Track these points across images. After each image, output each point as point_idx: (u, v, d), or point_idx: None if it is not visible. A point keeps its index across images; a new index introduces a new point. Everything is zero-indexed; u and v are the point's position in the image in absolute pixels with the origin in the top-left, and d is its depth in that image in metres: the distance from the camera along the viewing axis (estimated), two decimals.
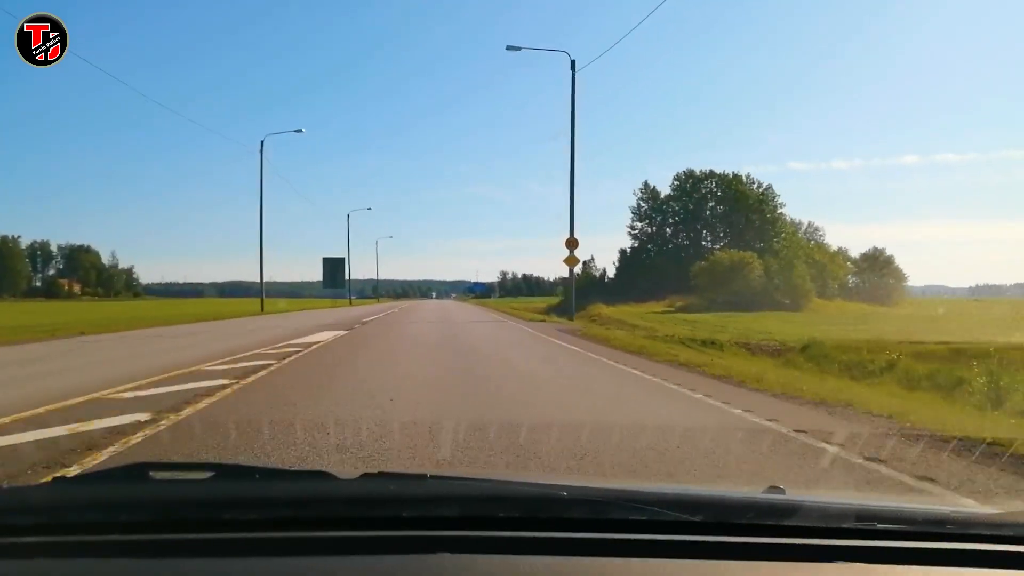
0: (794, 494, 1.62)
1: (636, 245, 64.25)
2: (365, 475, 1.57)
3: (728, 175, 61.25)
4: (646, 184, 64.43)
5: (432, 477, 1.62)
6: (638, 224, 65.27)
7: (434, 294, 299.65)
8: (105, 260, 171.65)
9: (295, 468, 2.73)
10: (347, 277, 65.58)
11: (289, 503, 1.46)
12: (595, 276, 61.31)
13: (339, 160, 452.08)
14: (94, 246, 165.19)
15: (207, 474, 1.59)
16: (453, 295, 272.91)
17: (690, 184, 62.60)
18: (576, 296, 60.59)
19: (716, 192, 61.60)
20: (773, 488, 1.65)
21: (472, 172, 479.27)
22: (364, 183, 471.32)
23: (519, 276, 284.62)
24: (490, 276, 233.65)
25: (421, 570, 1.28)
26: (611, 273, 63.18)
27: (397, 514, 1.43)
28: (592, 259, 64.44)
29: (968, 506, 3.11)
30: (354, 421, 6.13)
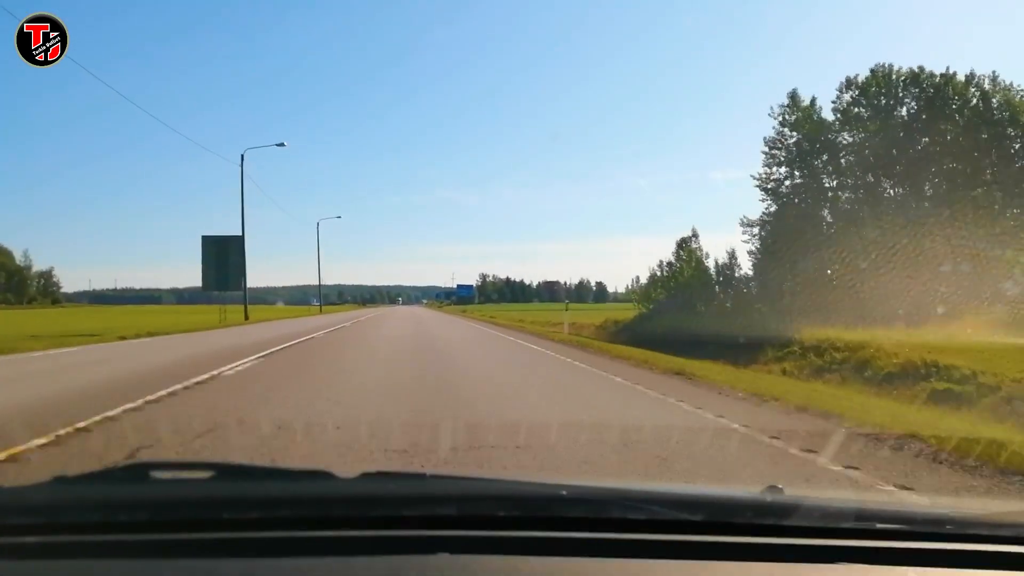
0: (793, 494, 1.61)
1: (776, 207, 34.27)
2: (364, 474, 1.56)
3: (956, 77, 31.92)
4: (793, 99, 34.25)
5: (431, 476, 1.63)
6: (779, 171, 33.11)
7: (400, 300, 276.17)
8: (19, 261, 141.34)
9: (294, 468, 2.20)
10: (243, 272, 36.06)
11: (288, 502, 1.46)
12: (707, 270, 32.09)
13: (303, 160, 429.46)
14: (6, 245, 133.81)
15: (207, 473, 1.58)
16: (424, 301, 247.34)
17: (879, 96, 32.93)
18: (676, 305, 31.48)
19: (927, 108, 32.17)
20: (772, 488, 1.62)
21: (441, 176, 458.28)
22: (334, 184, 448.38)
23: (501, 279, 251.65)
24: (466, 281, 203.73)
25: (421, 570, 1.28)
26: (743, 261, 33.58)
27: (397, 513, 1.43)
28: (695, 236, 34.90)
29: (968, 506, 2.71)
30: None
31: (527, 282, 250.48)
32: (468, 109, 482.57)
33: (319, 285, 72.55)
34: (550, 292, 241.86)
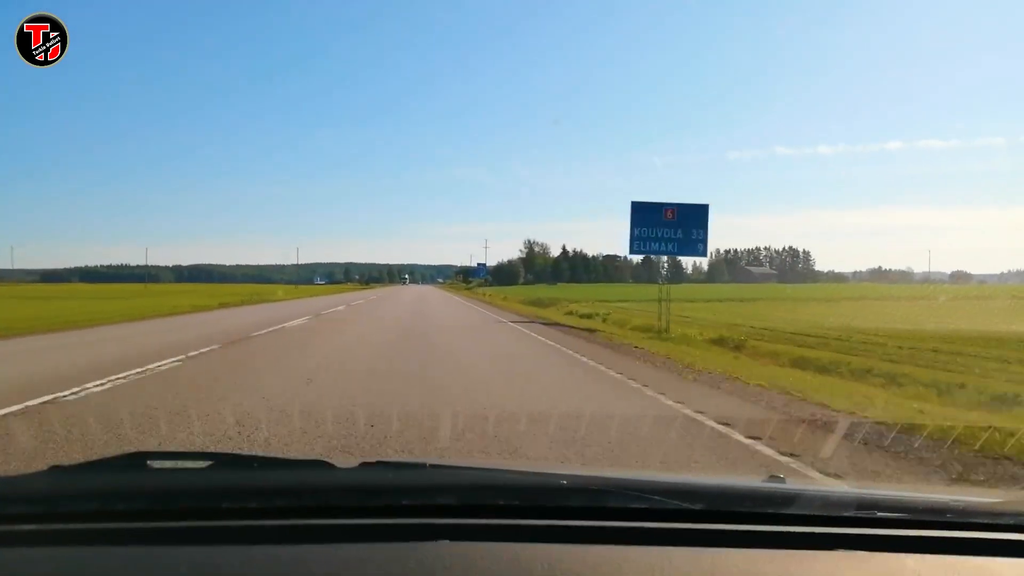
0: (794, 483, 1.65)
1: None
2: (364, 464, 1.57)
3: None
4: None
5: (431, 466, 1.61)
6: None
7: (407, 278, 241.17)
8: None
9: (293, 458, 2.35)
10: None
11: (287, 492, 1.46)
12: None
13: (315, 139, 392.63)
14: None
15: (205, 463, 1.59)
16: (440, 280, 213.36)
17: None
18: None
19: None
20: (773, 477, 1.67)
21: (457, 155, 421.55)
22: (345, 164, 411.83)
23: (550, 250, 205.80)
24: (492, 254, 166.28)
25: (420, 558, 1.27)
26: None
27: (396, 502, 1.43)
28: None
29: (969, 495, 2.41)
30: None
31: (588, 254, 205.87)
32: (483, 90, 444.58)
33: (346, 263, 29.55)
34: (615, 268, 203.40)
